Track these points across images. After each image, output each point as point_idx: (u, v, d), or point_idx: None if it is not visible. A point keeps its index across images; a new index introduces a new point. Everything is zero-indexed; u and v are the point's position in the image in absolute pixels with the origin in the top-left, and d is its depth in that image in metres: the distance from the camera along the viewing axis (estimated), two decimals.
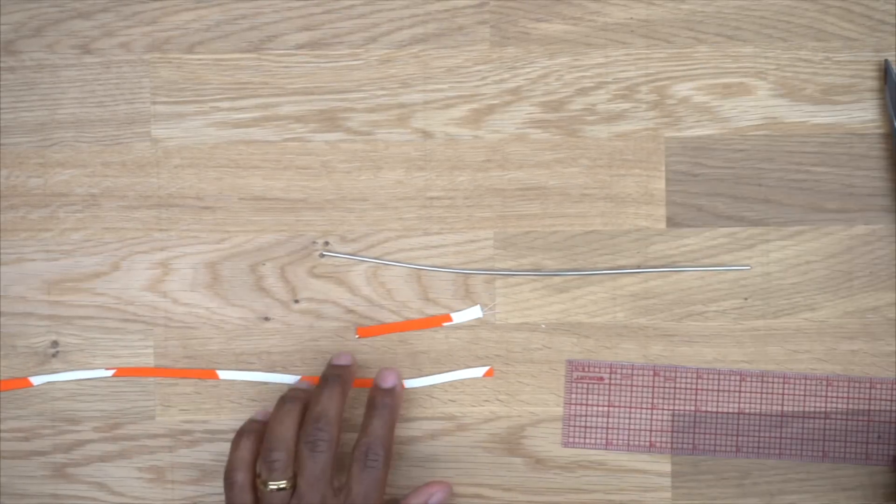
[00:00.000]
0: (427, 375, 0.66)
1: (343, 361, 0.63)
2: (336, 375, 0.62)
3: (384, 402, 0.62)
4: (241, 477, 0.60)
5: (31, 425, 0.66)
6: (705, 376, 0.65)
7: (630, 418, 0.65)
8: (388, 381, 0.63)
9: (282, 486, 0.59)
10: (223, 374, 0.66)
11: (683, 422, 0.65)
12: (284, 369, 0.66)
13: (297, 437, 0.60)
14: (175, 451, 0.66)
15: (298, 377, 0.66)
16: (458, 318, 0.65)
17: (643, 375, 0.65)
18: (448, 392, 0.66)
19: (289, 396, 0.62)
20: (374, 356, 0.66)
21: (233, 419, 0.66)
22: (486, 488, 0.66)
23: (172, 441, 0.66)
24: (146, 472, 0.66)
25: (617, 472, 0.66)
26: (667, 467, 0.66)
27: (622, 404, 0.65)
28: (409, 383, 0.66)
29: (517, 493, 0.66)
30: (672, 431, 0.65)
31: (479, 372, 0.66)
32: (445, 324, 0.65)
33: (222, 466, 0.66)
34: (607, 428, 0.65)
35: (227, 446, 0.66)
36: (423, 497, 0.63)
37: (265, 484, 0.59)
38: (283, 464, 0.59)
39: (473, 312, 0.65)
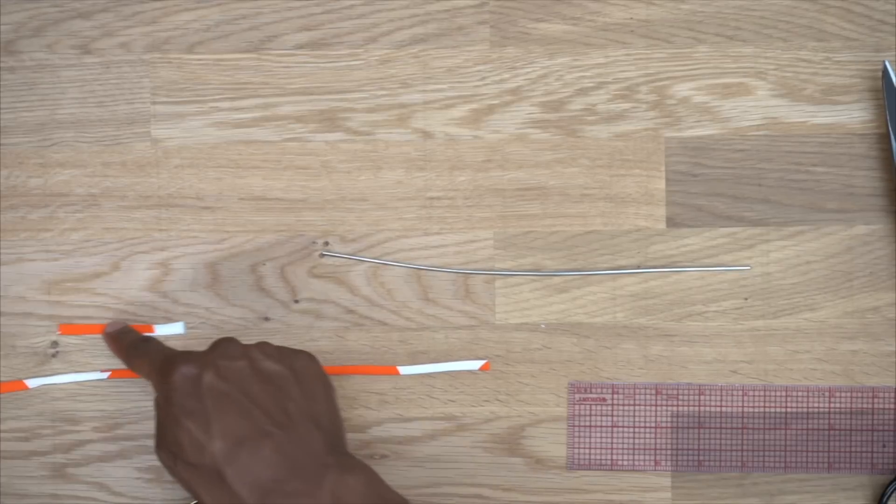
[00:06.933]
0: (423, 364, 0.66)
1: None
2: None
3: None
4: None
5: (30, 425, 0.66)
6: (707, 392, 0.65)
7: (634, 438, 0.65)
8: (108, 328, 0.66)
9: None
10: None
11: (687, 439, 0.65)
12: None
13: None
14: None
15: None
16: (161, 330, 0.66)
17: (645, 394, 0.65)
18: (448, 392, 0.66)
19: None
20: (373, 355, 0.66)
21: None
22: (486, 488, 0.66)
23: None
24: (146, 472, 0.66)
25: (617, 473, 0.66)
26: (667, 467, 0.66)
27: (626, 424, 0.65)
28: (407, 370, 0.66)
29: (517, 493, 0.66)
30: (676, 450, 0.65)
31: (475, 364, 0.65)
32: (148, 334, 0.66)
33: None
34: (612, 449, 0.65)
35: None
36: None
37: None
38: None
39: (176, 328, 0.66)
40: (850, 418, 0.65)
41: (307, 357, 0.60)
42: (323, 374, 0.60)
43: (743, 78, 0.65)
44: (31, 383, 0.66)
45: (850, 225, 0.65)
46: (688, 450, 0.65)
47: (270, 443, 0.55)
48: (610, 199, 0.66)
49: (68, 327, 0.66)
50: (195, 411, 0.56)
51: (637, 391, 0.65)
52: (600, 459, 0.65)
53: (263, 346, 0.59)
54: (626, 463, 0.65)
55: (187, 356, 0.58)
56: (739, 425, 0.65)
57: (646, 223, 0.65)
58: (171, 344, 0.63)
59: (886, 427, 0.65)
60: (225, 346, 0.58)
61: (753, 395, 0.65)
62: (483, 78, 0.66)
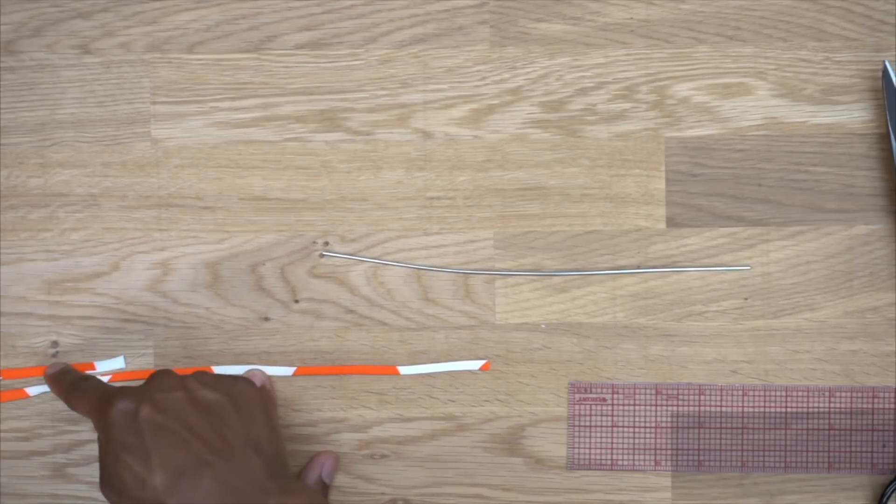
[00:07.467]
0: (423, 364, 0.66)
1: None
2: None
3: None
4: None
5: (30, 425, 0.66)
6: (707, 392, 0.65)
7: (634, 438, 0.65)
8: (48, 370, 0.64)
9: None
10: (218, 370, 0.66)
11: (687, 440, 0.65)
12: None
13: None
14: None
15: (294, 368, 0.66)
16: (101, 366, 0.66)
17: (645, 394, 0.65)
18: (448, 392, 0.66)
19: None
20: (373, 355, 0.66)
21: None
22: (486, 488, 0.66)
23: None
24: None
25: (617, 473, 0.66)
26: (667, 467, 0.66)
27: (626, 424, 0.65)
28: (407, 370, 0.66)
29: (517, 493, 0.66)
30: (676, 450, 0.65)
31: (475, 364, 0.65)
32: (89, 371, 0.66)
33: None
34: (612, 449, 0.65)
35: None
36: (316, 470, 0.64)
37: None
38: None
39: (117, 363, 0.66)
40: (850, 418, 0.65)
41: (245, 383, 0.60)
42: (262, 399, 0.60)
43: (743, 78, 0.65)
44: (32, 391, 0.66)
45: (850, 225, 0.65)
46: (688, 450, 0.65)
47: (210, 472, 0.55)
48: (610, 199, 0.66)
49: (8, 372, 0.66)
50: (134, 446, 0.56)
51: (637, 391, 0.65)
52: (600, 459, 0.65)
53: (201, 376, 0.59)
54: (626, 463, 0.65)
55: (124, 391, 0.58)
56: (739, 425, 0.65)
57: (646, 223, 0.66)
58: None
59: (886, 427, 0.65)
60: (161, 379, 0.58)
61: (753, 395, 0.65)
62: (483, 78, 0.66)
